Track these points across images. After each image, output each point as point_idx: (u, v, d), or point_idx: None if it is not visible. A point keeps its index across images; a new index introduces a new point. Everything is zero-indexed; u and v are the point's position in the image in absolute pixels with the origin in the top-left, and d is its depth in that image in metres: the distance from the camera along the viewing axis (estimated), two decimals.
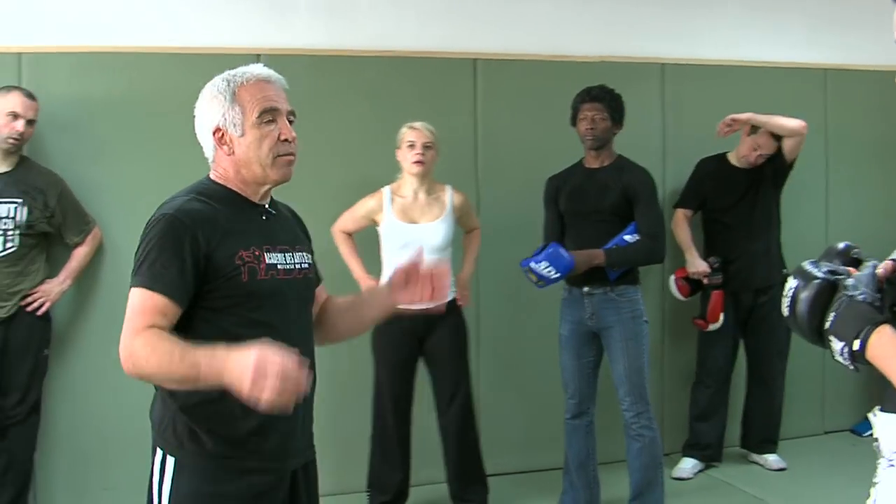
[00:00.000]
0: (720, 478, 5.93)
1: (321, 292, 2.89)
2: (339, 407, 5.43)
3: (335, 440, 5.21)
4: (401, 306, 2.90)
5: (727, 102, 6.08)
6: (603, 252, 4.87)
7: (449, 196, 5.13)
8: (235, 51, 5.32)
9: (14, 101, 4.83)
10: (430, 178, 5.11)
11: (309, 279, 2.74)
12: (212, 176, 2.68)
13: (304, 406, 2.54)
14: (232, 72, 2.64)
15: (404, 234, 4.99)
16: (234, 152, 2.60)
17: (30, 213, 4.86)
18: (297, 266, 2.67)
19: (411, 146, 5.00)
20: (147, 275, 2.43)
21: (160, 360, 2.32)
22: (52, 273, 5.03)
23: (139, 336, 2.36)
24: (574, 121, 5.06)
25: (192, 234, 2.46)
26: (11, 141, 4.82)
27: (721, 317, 5.87)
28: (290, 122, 2.64)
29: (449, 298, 5.01)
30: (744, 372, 6.16)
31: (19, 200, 4.84)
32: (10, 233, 4.82)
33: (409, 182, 5.09)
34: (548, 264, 4.84)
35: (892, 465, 1.87)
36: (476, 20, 5.91)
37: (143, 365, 2.33)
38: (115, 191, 5.22)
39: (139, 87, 5.22)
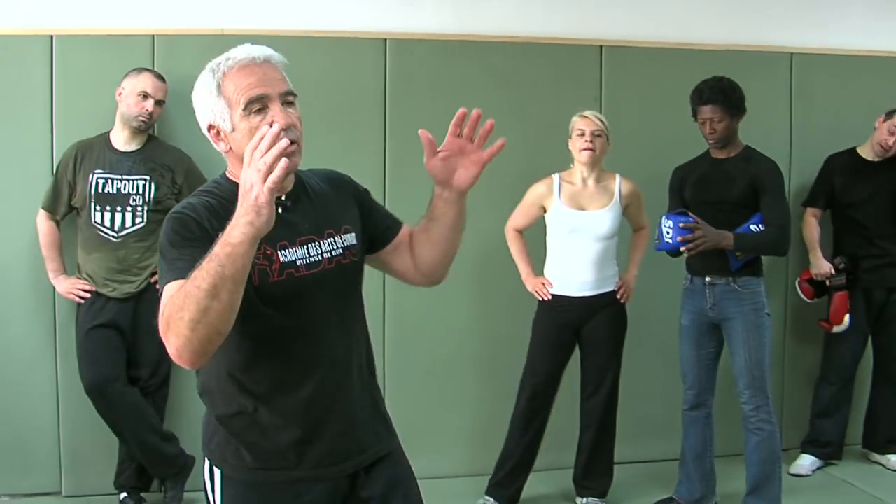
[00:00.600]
0: (839, 476, 5.82)
1: (404, 236, 2.70)
2: (486, 387, 5.58)
3: (475, 424, 5.32)
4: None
5: (858, 94, 5.97)
6: (732, 234, 4.81)
7: (618, 184, 5.13)
8: (362, 35, 5.39)
9: (145, 82, 4.98)
10: (600, 166, 5.12)
11: (344, 266, 2.52)
12: (226, 172, 2.52)
13: (355, 406, 2.53)
14: (218, 59, 2.42)
15: (572, 220, 5.02)
16: (231, 148, 2.42)
17: (157, 189, 5.00)
18: (327, 255, 2.48)
19: (581, 134, 5.02)
20: (167, 274, 2.26)
21: (188, 296, 2.09)
22: None
23: (165, 313, 2.17)
24: (695, 117, 5.02)
25: (199, 222, 2.32)
26: (141, 119, 4.97)
27: (846, 319, 5.74)
28: (290, 102, 2.39)
29: (611, 289, 5.11)
30: (869, 370, 6.02)
31: (147, 177, 4.99)
32: (139, 209, 4.97)
33: (578, 169, 5.11)
34: (672, 225, 4.82)
35: None
36: (602, 6, 5.88)
37: (185, 317, 2.09)
38: None
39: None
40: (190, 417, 5.29)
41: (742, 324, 4.88)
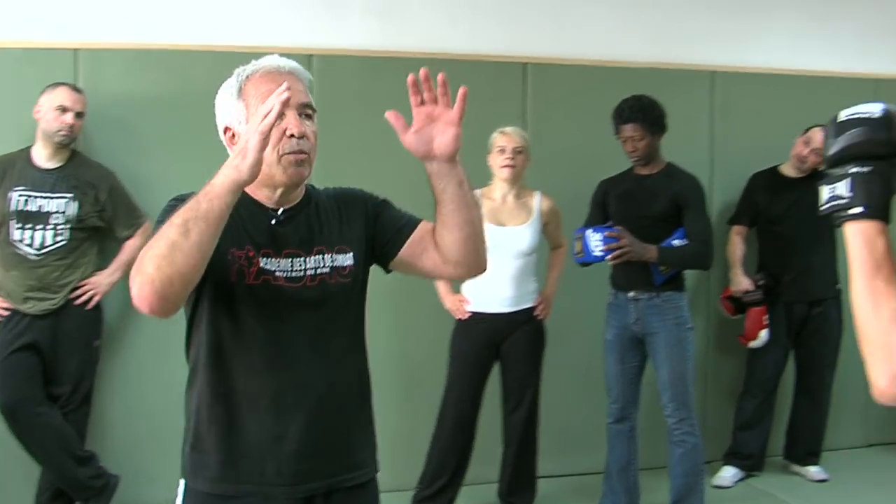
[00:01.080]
0: (761, 487, 5.91)
1: (423, 232, 2.53)
2: (403, 405, 5.58)
3: (396, 437, 5.32)
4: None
5: (777, 111, 6.08)
6: (656, 248, 4.87)
7: (537, 201, 5.16)
8: (287, 51, 5.30)
9: (62, 96, 4.91)
10: (521, 182, 5.14)
11: (329, 286, 2.45)
12: None
13: (320, 430, 2.44)
14: (245, 66, 2.44)
15: (491, 236, 4.94)
16: None
17: (80, 207, 4.92)
18: (310, 272, 2.43)
19: (501, 151, 5.04)
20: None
21: (159, 234, 2.12)
22: (103, 266, 5.09)
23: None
24: (617, 135, 5.07)
25: None
26: (63, 134, 4.90)
27: (762, 334, 5.84)
28: (309, 115, 2.40)
29: (530, 305, 5.12)
30: (791, 383, 6.12)
31: (70, 195, 4.91)
32: (60, 227, 4.89)
33: (498, 186, 5.13)
34: (600, 237, 4.86)
35: None
36: (527, 24, 5.93)
37: (150, 253, 2.10)
38: (165, 186, 5.20)
39: (190, 85, 5.25)
40: (113, 435, 5.24)
41: (665, 338, 4.94)
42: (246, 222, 2.38)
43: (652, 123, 4.96)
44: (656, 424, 5.19)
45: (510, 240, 5.02)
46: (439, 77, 2.33)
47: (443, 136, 2.35)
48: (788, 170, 5.91)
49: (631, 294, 5.01)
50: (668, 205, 4.97)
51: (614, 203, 5.12)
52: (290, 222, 2.41)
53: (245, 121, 2.37)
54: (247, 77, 2.41)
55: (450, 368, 5.16)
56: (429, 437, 5.20)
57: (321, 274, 2.44)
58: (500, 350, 5.15)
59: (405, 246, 2.54)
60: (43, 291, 4.88)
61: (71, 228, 4.91)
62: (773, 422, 6.10)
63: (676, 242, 4.93)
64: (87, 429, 5.09)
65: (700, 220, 4.98)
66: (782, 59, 6.36)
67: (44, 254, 4.87)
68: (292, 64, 2.44)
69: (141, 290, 2.11)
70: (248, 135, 2.12)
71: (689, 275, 5.21)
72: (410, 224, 2.57)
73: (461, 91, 2.32)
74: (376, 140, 5.47)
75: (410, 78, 2.30)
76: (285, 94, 2.12)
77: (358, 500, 2.55)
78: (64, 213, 4.88)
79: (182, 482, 2.48)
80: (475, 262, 2.50)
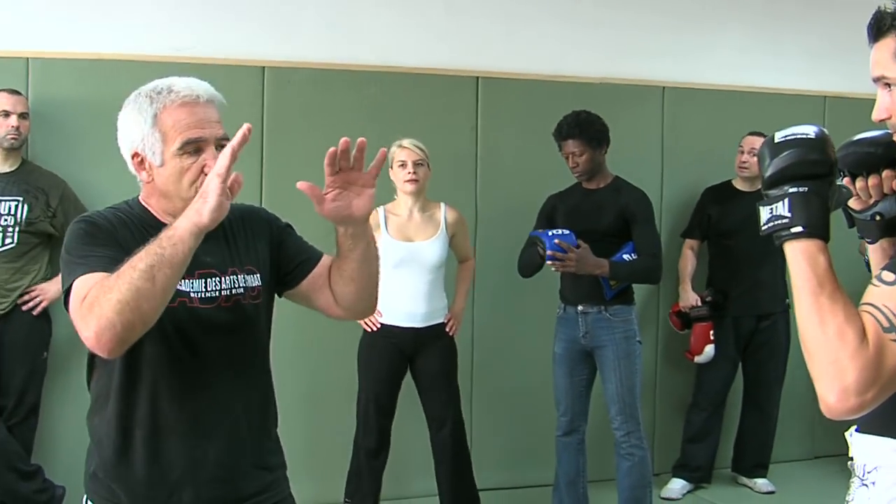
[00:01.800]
0: (709, 499, 5.96)
1: (323, 268, 2.54)
2: (320, 418, 5.52)
3: (315, 452, 5.29)
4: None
5: (727, 127, 6.14)
6: (608, 262, 4.88)
7: (443, 213, 5.12)
8: (239, 62, 5.36)
9: (1, 101, 4.89)
10: (424, 195, 5.09)
11: (244, 307, 2.42)
12: (140, 198, 2.46)
13: (236, 452, 2.40)
14: (159, 86, 2.35)
15: (399, 252, 4.95)
16: (153, 179, 2.36)
17: (30, 210, 4.91)
18: (225, 293, 2.39)
19: (402, 165, 4.96)
20: (78, 268, 2.19)
21: (120, 277, 2.04)
22: (53, 273, 5.04)
23: (87, 298, 2.09)
24: (560, 151, 5.09)
25: (109, 228, 2.31)
26: (11, 137, 4.88)
27: (707, 349, 5.91)
28: (223, 146, 2.23)
29: (440, 321, 5.08)
30: (739, 396, 6.18)
31: (20, 198, 4.90)
32: (9, 229, 4.87)
33: (403, 201, 5.06)
34: (553, 242, 4.85)
35: (864, 485, 1.91)
36: (479, 38, 5.96)
37: (113, 298, 2.02)
38: (116, 194, 5.18)
39: None
40: (61, 447, 5.19)
41: (613, 351, 4.96)
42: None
43: (591, 138, 4.97)
44: (604, 437, 5.21)
45: (420, 255, 4.98)
46: (358, 141, 2.29)
47: (361, 199, 2.34)
48: (741, 184, 5.98)
49: (580, 308, 5.03)
50: (615, 219, 4.99)
51: (562, 218, 5.12)
52: (203, 242, 2.17)
53: (160, 153, 2.31)
54: (163, 105, 2.31)
55: (363, 384, 5.10)
56: (340, 447, 5.18)
57: (236, 295, 2.41)
58: (414, 367, 5.10)
59: (304, 281, 2.55)
60: None
61: (20, 231, 4.89)
62: (721, 434, 6.15)
63: (626, 257, 4.95)
64: (33, 442, 5.04)
65: (648, 234, 5.01)
66: (731, 76, 6.44)
67: None
68: (210, 91, 2.37)
69: (101, 335, 2.05)
70: (208, 179, 2.08)
71: (639, 288, 5.24)
72: (312, 260, 2.56)
73: (381, 153, 2.33)
74: (322, 153, 5.50)
75: (331, 151, 2.27)
76: (240, 136, 2.09)
77: None
78: (14, 215, 4.87)
79: (88, 503, 2.41)
80: (367, 308, 2.60)
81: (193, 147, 2.29)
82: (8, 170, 4.95)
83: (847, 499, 1.98)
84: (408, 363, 5.10)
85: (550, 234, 4.87)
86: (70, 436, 5.22)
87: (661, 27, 6.35)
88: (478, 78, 5.92)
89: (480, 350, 5.93)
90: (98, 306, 2.04)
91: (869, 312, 1.71)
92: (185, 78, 2.39)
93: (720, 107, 6.37)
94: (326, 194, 2.31)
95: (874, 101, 1.92)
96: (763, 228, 1.85)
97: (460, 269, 5.32)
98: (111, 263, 2.12)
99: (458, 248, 5.23)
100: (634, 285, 5.13)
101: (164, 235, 2.06)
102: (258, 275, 2.48)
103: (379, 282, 2.55)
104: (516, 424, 5.94)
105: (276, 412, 2.61)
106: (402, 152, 4.96)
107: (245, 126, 2.11)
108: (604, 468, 5.45)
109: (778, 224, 1.82)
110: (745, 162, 5.86)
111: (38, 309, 4.96)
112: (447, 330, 5.11)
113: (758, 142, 5.72)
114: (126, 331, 2.05)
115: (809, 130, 1.85)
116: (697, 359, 5.95)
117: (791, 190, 1.81)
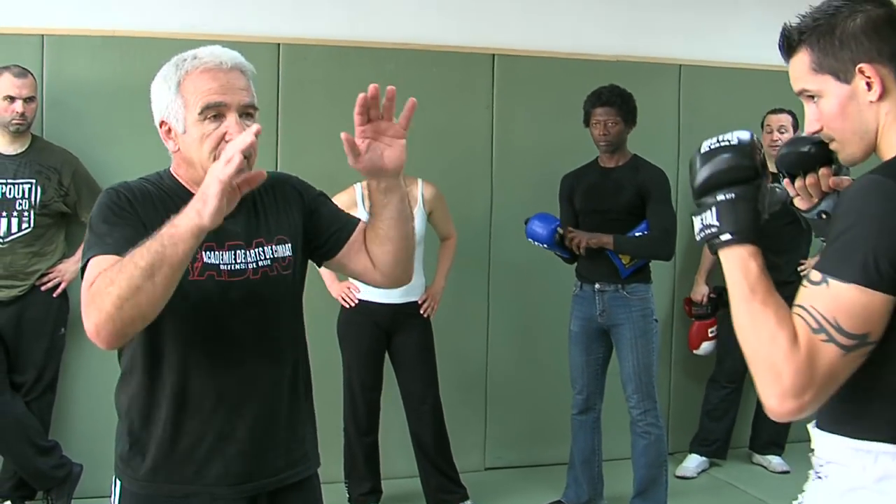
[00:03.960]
0: (723, 478, 5.96)
1: (359, 234, 2.51)
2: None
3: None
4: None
5: (744, 105, 6.10)
6: (612, 236, 4.89)
7: (420, 189, 5.10)
8: (255, 39, 5.35)
9: (6, 84, 4.79)
10: (402, 172, 5.04)
11: (272, 279, 2.40)
12: (171, 169, 2.44)
13: (265, 426, 2.40)
14: (185, 55, 2.34)
15: None
16: (179, 148, 2.35)
17: (44, 192, 4.88)
18: (252, 265, 2.37)
19: None
20: (95, 248, 2.21)
21: (122, 271, 2.04)
22: (70, 252, 5.05)
23: (93, 285, 2.10)
24: (587, 122, 5.07)
25: (131, 202, 2.29)
26: (16, 123, 4.81)
27: (705, 345, 5.97)
28: (250, 115, 2.32)
29: (415, 299, 5.08)
30: None
31: (33, 180, 4.86)
32: (25, 213, 4.85)
33: None
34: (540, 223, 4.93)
35: (819, 478, 1.91)
36: (496, 16, 5.94)
37: (113, 292, 2.03)
38: (130, 172, 5.19)
39: (156, 73, 5.24)
40: (78, 424, 5.21)
41: (630, 329, 4.96)
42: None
43: (627, 111, 4.97)
44: (620, 415, 5.21)
45: None
46: (388, 90, 2.26)
47: (391, 150, 2.31)
48: (770, 165, 5.91)
49: (597, 286, 5.02)
50: (632, 197, 4.97)
51: (580, 197, 5.12)
52: (231, 213, 2.17)
53: (183, 119, 2.30)
54: (186, 71, 2.31)
55: (347, 362, 5.12)
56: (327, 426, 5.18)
57: (263, 266, 2.39)
58: (391, 346, 5.12)
59: (342, 250, 2.53)
60: (10, 279, 4.85)
61: (36, 214, 4.86)
62: (738, 412, 6.14)
63: (638, 234, 4.94)
64: (51, 418, 5.05)
65: (662, 211, 4.98)
66: (748, 54, 6.38)
67: (10, 241, 4.83)
68: (236, 58, 2.35)
69: (99, 330, 2.07)
70: (209, 179, 2.03)
71: (656, 265, 5.22)
72: (347, 228, 2.54)
73: (410, 102, 2.29)
74: (342, 129, 5.49)
75: (361, 97, 2.23)
76: (249, 139, 2.05)
77: (302, 495, 2.52)
78: (28, 198, 4.84)
79: (117, 482, 2.41)
80: (403, 275, 2.53)
81: (214, 112, 2.27)
82: (19, 150, 4.89)
83: (804, 488, 1.99)
84: (386, 339, 5.11)
85: (539, 229, 4.94)
86: (87, 414, 5.24)
87: (679, 5, 6.30)
88: (494, 55, 5.90)
89: (495, 328, 5.93)
90: (100, 298, 2.06)
91: (799, 315, 1.74)
92: (213, 46, 2.37)
93: (737, 85, 6.32)
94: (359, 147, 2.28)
95: None
96: (697, 238, 1.90)
97: (442, 247, 5.30)
98: (126, 245, 2.11)
99: (438, 224, 5.22)
100: (652, 263, 5.11)
101: (166, 233, 2.04)
102: (289, 244, 2.46)
103: (414, 247, 2.53)
104: (531, 403, 5.95)
105: (311, 385, 2.60)
106: None
107: (255, 127, 2.10)
108: (619, 447, 5.45)
109: (708, 233, 1.87)
110: (776, 140, 5.73)
111: (58, 291, 4.96)
112: (421, 311, 5.10)
113: (784, 118, 5.72)
114: (125, 326, 2.07)
115: (734, 137, 1.90)
116: (696, 352, 6.01)
117: (719, 198, 1.87)
